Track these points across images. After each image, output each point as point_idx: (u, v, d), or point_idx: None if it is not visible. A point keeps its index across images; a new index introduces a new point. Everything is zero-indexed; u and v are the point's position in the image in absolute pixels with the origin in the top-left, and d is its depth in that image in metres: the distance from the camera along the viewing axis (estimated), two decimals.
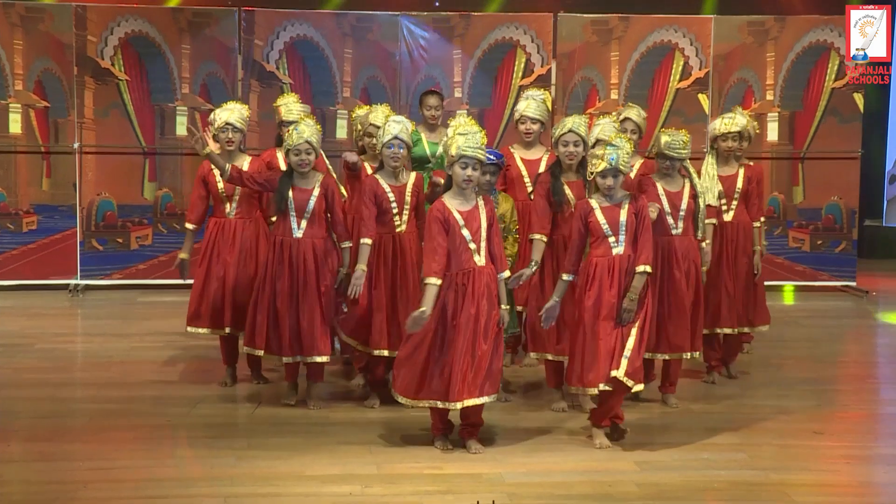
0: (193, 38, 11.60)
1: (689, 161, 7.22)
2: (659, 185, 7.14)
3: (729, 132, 7.90)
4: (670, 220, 7.14)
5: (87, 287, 11.58)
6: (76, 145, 11.44)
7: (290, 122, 7.40)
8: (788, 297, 12.11)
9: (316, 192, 7.09)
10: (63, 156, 11.51)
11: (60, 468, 6.01)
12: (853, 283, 12.26)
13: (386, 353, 7.10)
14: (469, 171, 6.24)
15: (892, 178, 15.24)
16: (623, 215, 6.40)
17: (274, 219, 7.33)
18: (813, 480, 6.02)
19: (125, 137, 11.55)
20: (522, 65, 11.72)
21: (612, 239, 6.39)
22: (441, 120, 8.32)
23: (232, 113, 7.60)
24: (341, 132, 11.65)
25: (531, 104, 7.71)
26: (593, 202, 6.45)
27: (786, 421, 7.09)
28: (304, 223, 7.08)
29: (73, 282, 11.54)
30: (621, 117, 7.71)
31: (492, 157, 6.90)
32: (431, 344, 6.20)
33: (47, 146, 11.51)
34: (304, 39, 11.66)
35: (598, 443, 6.44)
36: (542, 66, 11.74)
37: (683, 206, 7.17)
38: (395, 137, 7.00)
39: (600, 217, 6.39)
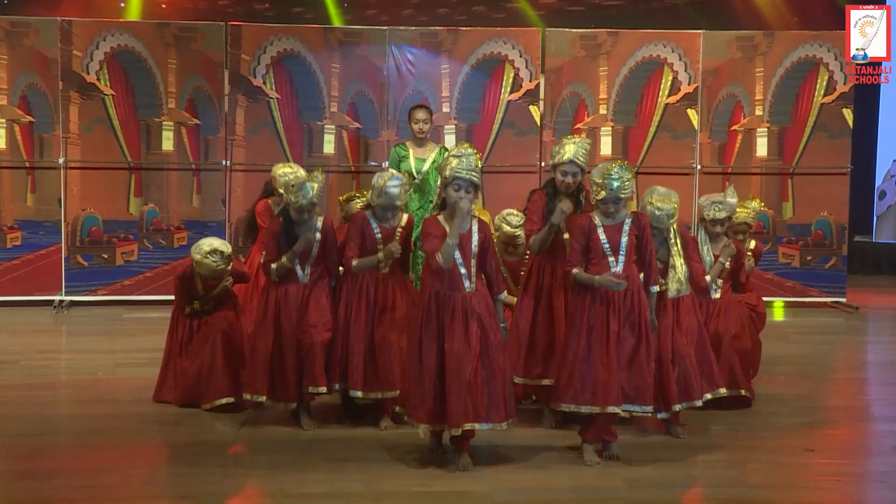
0: (180, 52, 11.56)
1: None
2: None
3: (716, 218, 7.52)
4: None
5: (72, 303, 11.52)
6: (61, 160, 11.39)
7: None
8: (778, 314, 12.09)
9: (318, 237, 7.03)
10: (48, 171, 11.47)
11: (44, 486, 5.93)
12: (843, 299, 12.26)
13: (360, 394, 6.97)
14: (462, 194, 6.20)
15: (882, 193, 15.28)
16: (624, 235, 6.36)
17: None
18: (804, 498, 5.97)
19: (110, 152, 11.52)
20: (511, 80, 11.70)
21: (611, 259, 6.34)
22: (431, 134, 8.27)
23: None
24: (328, 147, 11.62)
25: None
26: (596, 220, 6.40)
27: (777, 438, 7.05)
28: (307, 268, 7.03)
29: (57, 298, 11.48)
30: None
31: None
32: (432, 368, 6.12)
33: (32, 161, 11.47)
34: (291, 54, 11.63)
35: (588, 459, 6.38)
36: (530, 81, 11.72)
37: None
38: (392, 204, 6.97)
39: (602, 236, 6.36)
